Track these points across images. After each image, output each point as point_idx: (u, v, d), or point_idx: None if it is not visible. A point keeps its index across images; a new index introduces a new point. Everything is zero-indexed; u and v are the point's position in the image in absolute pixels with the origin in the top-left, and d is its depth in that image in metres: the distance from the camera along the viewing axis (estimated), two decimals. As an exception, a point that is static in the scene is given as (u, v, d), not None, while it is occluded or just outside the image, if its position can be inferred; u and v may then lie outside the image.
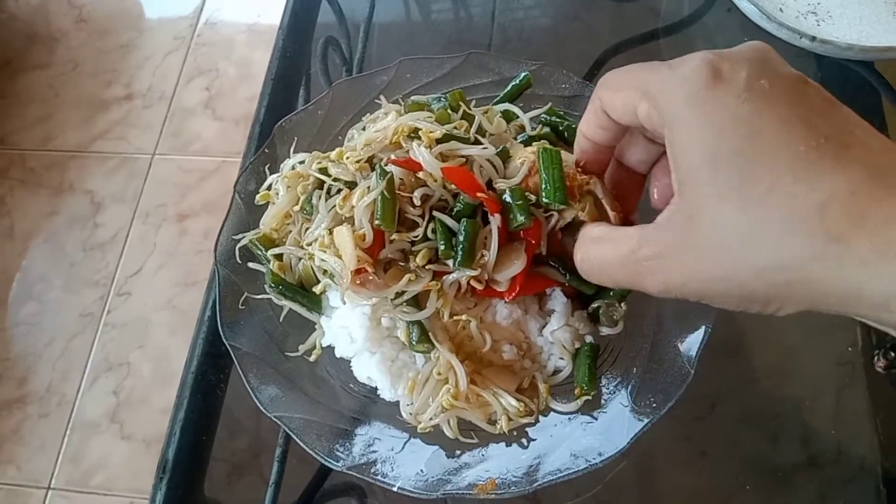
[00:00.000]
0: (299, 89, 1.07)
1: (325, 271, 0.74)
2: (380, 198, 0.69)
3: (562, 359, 0.76)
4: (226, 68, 2.72)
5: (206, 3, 2.87)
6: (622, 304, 0.74)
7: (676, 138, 0.46)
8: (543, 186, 0.67)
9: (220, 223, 0.82)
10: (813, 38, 0.94)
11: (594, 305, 0.76)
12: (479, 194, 0.68)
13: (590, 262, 0.56)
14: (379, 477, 0.70)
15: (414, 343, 0.71)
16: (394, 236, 0.70)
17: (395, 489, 0.69)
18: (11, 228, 2.49)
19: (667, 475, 0.81)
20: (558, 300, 0.76)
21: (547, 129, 0.81)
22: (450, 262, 0.69)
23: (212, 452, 0.85)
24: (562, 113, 0.84)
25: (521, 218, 0.68)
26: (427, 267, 0.70)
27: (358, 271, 0.69)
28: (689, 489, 0.80)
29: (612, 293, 0.75)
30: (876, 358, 0.83)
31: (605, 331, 0.76)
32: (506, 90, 0.87)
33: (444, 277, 0.70)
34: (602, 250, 0.54)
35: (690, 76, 0.45)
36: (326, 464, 0.70)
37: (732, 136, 0.43)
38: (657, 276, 0.49)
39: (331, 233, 0.72)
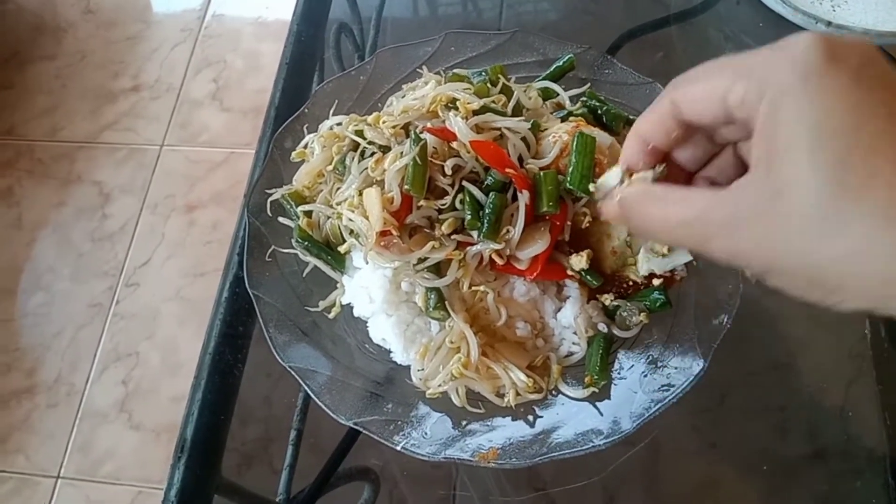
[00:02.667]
0: (313, 74, 1.07)
1: (351, 231, 0.75)
2: (411, 163, 0.70)
3: (575, 344, 0.76)
4: (233, 60, 2.72)
5: (214, -5, 2.88)
6: (642, 315, 0.74)
7: (780, 111, 0.44)
8: (570, 171, 0.68)
9: (228, 214, 0.84)
10: (829, 24, 0.94)
11: (615, 304, 0.76)
12: (507, 170, 0.69)
13: (648, 219, 0.53)
14: (384, 435, 0.71)
15: (430, 309, 0.72)
16: (422, 203, 0.71)
17: (398, 448, 0.70)
18: (20, 219, 2.50)
19: (675, 465, 0.81)
20: (573, 287, 0.77)
21: (584, 110, 0.81)
22: (474, 234, 0.70)
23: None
24: (602, 97, 0.84)
25: (549, 205, 0.68)
26: (452, 236, 0.70)
27: (383, 233, 0.70)
28: (697, 479, 0.80)
29: (639, 299, 0.75)
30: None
31: (616, 331, 0.76)
32: (548, 71, 0.88)
33: (468, 248, 0.71)
34: (665, 209, 0.52)
35: (805, 53, 0.44)
36: (331, 415, 0.71)
37: (840, 116, 0.42)
38: (726, 240, 0.47)
39: (361, 194, 0.73)
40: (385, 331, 0.75)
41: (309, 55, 1.09)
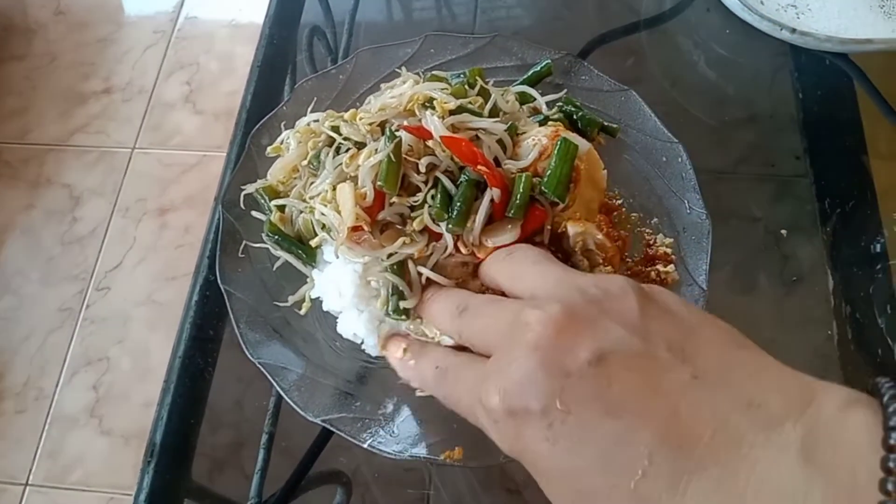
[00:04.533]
0: (286, 77, 1.07)
1: (323, 225, 0.75)
2: (385, 160, 0.70)
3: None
4: (206, 63, 2.71)
5: (187, -3, 2.87)
6: None
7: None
8: (548, 175, 0.69)
9: (200, 217, 0.84)
10: (793, 30, 0.96)
11: None
12: (479, 167, 0.69)
13: None
14: (352, 433, 0.71)
15: (391, 313, 0.71)
16: (394, 199, 0.71)
17: (364, 446, 0.70)
18: (-12, 222, 2.47)
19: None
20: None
21: (560, 115, 0.82)
22: (442, 225, 0.70)
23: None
24: (578, 103, 0.85)
25: (517, 208, 0.69)
26: (422, 232, 0.71)
27: (355, 228, 0.70)
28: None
29: None
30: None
31: None
32: (525, 76, 0.88)
33: (434, 244, 0.71)
34: None
35: (497, 426, 0.43)
36: (300, 412, 0.71)
37: (563, 486, 0.40)
38: None
39: (334, 189, 0.73)
40: (357, 326, 0.75)
41: (281, 58, 1.09)
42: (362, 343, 0.76)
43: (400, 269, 0.71)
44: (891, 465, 0.31)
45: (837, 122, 1.01)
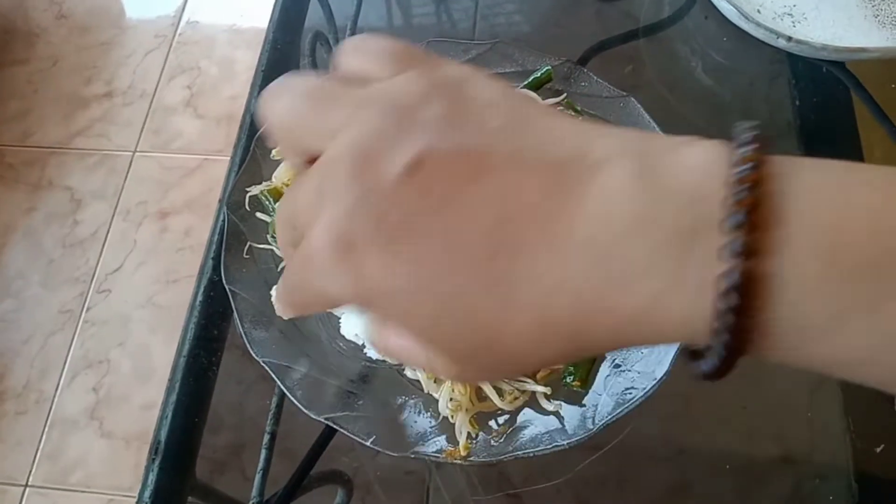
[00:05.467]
0: (289, 82, 1.08)
1: None
2: None
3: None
4: (207, 67, 2.72)
5: (188, 3, 2.87)
6: None
7: None
8: None
9: (201, 221, 0.85)
10: (789, 39, 0.97)
11: None
12: None
13: None
14: (355, 431, 0.72)
15: None
16: None
17: (367, 444, 0.71)
18: (-11, 224, 2.47)
19: (644, 470, 0.82)
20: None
21: None
22: None
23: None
24: (578, 108, 0.86)
25: None
26: None
27: None
28: (665, 484, 0.81)
29: None
30: None
31: None
32: (526, 81, 0.90)
33: None
34: None
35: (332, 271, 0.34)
36: (303, 409, 0.72)
37: (422, 297, 0.34)
38: None
39: None
40: (358, 327, 0.76)
41: (284, 63, 1.10)
42: (364, 345, 0.78)
43: None
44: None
45: (833, 130, 1.02)
